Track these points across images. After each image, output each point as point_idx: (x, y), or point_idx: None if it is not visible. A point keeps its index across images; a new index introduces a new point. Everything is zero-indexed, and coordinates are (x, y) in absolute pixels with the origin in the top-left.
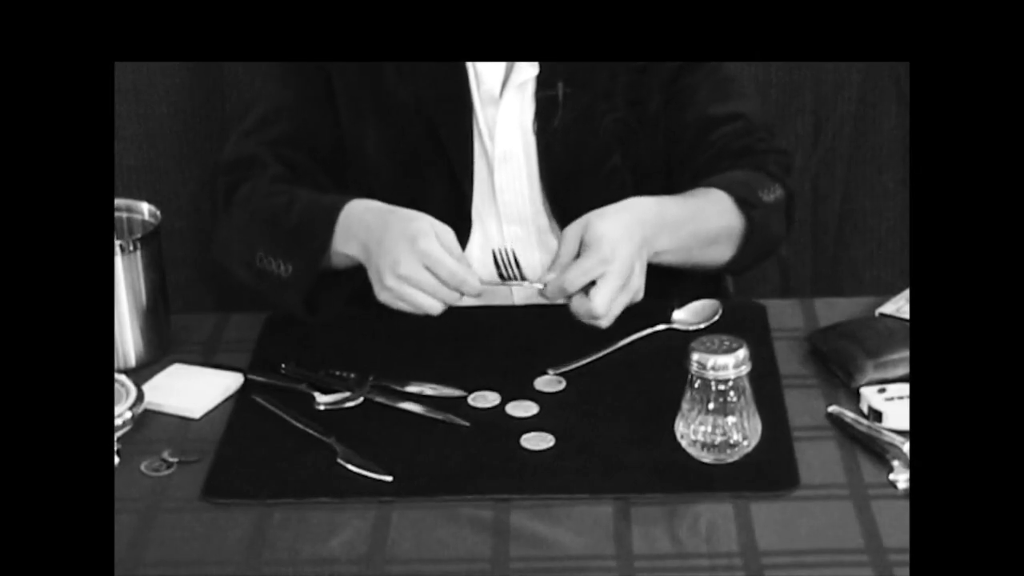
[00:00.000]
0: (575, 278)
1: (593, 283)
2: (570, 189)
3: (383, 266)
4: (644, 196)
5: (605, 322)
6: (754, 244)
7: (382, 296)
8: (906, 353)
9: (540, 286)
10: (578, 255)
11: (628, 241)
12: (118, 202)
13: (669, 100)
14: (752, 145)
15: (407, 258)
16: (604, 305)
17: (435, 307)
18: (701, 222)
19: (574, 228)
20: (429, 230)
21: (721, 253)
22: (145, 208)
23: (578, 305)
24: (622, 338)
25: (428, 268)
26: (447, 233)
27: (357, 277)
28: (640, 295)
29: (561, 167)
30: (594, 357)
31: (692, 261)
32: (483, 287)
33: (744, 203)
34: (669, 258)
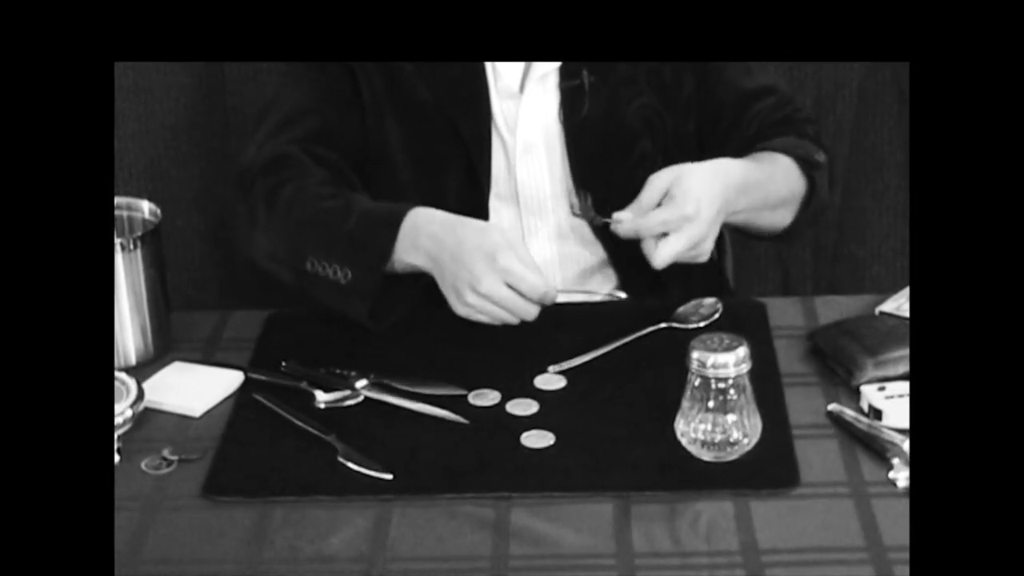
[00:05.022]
0: (654, 226)
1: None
2: (599, 177)
3: (461, 283)
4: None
5: (659, 267)
6: (812, 208)
7: (460, 311)
8: (906, 351)
9: (614, 222)
10: (659, 204)
11: (712, 203)
12: (118, 200)
13: (700, 80)
14: (790, 115)
15: (488, 276)
16: (667, 259)
17: (515, 320)
18: (773, 184)
19: (663, 176)
20: (505, 244)
21: (783, 217)
22: (145, 206)
23: (646, 248)
24: (622, 336)
25: (509, 285)
26: (519, 243)
27: (420, 283)
28: (703, 259)
29: (590, 156)
30: (595, 354)
31: (758, 224)
32: (558, 293)
33: (806, 164)
34: (740, 218)
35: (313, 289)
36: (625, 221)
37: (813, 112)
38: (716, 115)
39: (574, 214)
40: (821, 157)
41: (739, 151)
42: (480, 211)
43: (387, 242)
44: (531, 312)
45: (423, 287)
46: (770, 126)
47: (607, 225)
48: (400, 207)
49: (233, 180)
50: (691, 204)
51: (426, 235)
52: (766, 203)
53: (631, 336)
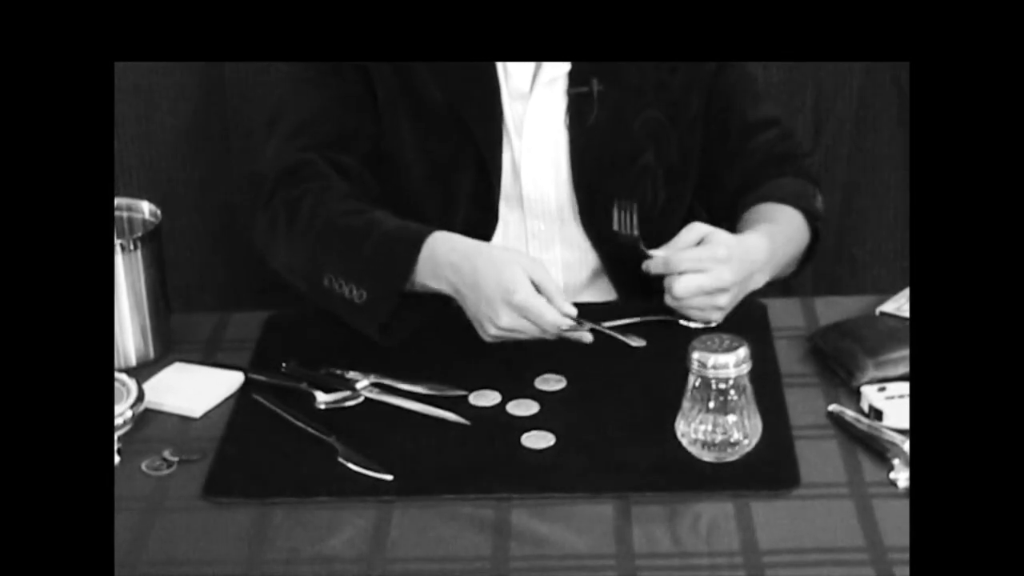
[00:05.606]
0: (684, 262)
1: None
2: (601, 185)
3: (482, 316)
4: (753, 234)
5: (677, 296)
6: (812, 255)
7: (486, 339)
8: (906, 352)
9: (648, 254)
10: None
11: (740, 269)
12: (118, 201)
13: (707, 102)
14: (791, 150)
15: (506, 313)
16: (685, 290)
17: (539, 337)
18: (788, 248)
19: (702, 225)
20: (523, 279)
21: (792, 269)
22: (145, 207)
23: (668, 282)
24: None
25: (528, 319)
26: (539, 270)
27: (433, 301)
28: (715, 316)
29: (593, 164)
30: (598, 327)
31: (772, 278)
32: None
33: (811, 216)
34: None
35: (327, 303)
36: (658, 258)
37: (811, 134)
38: (721, 138)
39: (614, 230)
40: (820, 204)
41: (742, 177)
42: (490, 212)
43: (406, 269)
44: (551, 335)
45: (436, 305)
46: (773, 161)
47: (641, 249)
48: (420, 231)
49: (249, 185)
50: (723, 250)
51: (446, 264)
52: (784, 263)
53: (633, 319)
